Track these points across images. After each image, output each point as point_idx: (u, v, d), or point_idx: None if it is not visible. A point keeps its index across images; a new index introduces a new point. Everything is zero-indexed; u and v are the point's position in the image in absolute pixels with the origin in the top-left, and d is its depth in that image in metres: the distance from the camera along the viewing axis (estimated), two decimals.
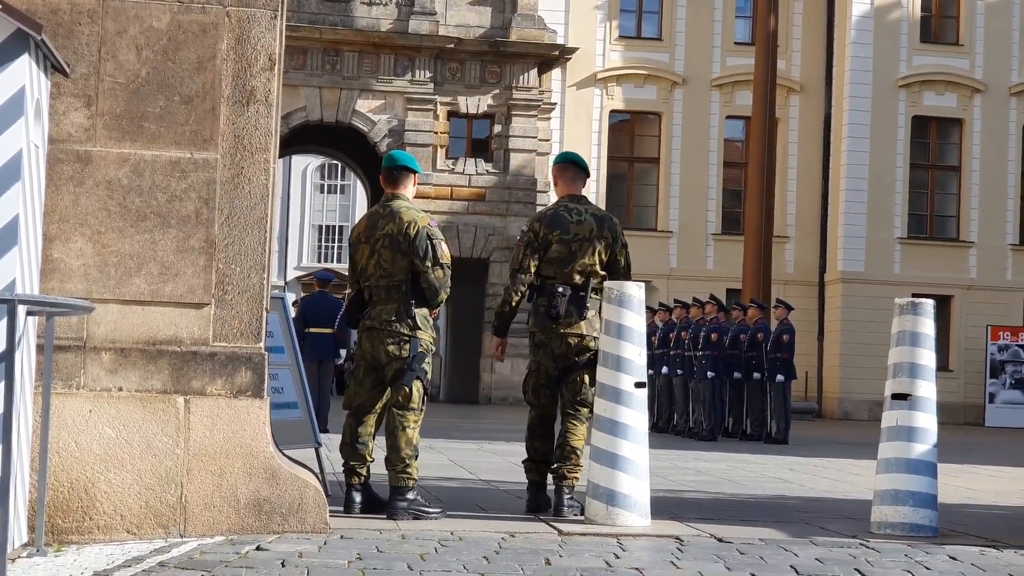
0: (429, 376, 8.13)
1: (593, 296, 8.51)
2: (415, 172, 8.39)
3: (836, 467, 14.63)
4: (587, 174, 8.95)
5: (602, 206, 36.23)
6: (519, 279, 8.73)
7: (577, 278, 8.56)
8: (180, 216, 6.97)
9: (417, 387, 8.01)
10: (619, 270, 8.60)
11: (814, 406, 35.34)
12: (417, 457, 8.02)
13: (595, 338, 8.36)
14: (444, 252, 8.11)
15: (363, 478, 8.11)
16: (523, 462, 8.73)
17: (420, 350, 8.03)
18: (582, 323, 8.53)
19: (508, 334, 8.90)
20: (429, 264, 8.02)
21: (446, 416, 26.58)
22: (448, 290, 8.12)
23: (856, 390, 35.39)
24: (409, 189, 8.35)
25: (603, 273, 8.57)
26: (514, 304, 8.75)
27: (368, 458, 8.13)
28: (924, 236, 37.00)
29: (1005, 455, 19.24)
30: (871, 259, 36.23)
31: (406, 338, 8.01)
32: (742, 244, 31.93)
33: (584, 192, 8.95)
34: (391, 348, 8.01)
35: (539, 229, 8.67)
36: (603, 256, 8.59)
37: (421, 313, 8.08)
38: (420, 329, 8.05)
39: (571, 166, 8.89)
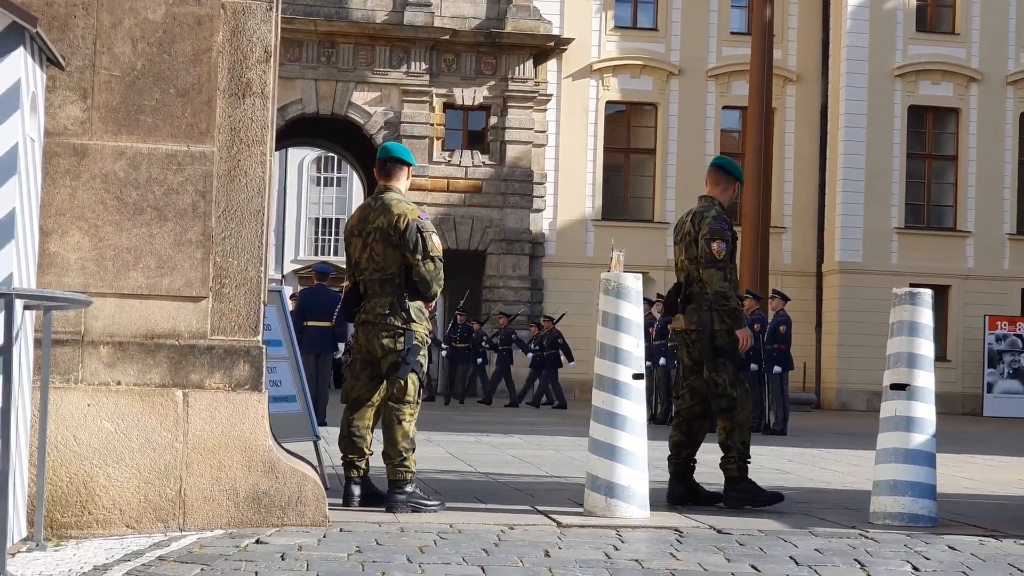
0: (425, 369, 8.12)
1: (700, 291, 8.85)
2: (409, 164, 8.36)
3: (835, 458, 14.63)
4: (731, 177, 9.20)
5: (598, 198, 36.39)
6: None
7: (681, 275, 9.04)
8: (177, 209, 6.95)
9: (412, 380, 7.99)
10: (698, 260, 8.88)
11: (812, 397, 35.32)
12: (414, 450, 8.01)
13: (696, 331, 8.82)
14: (435, 244, 8.07)
15: (362, 471, 8.10)
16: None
17: (415, 343, 8.01)
18: (681, 317, 8.98)
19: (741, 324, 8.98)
20: (420, 257, 7.98)
21: (445, 409, 26.59)
22: (441, 283, 8.10)
23: (854, 380, 35.40)
24: (402, 182, 8.31)
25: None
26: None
27: (366, 451, 8.12)
28: (921, 226, 36.99)
29: (1003, 445, 19.24)
30: (868, 249, 36.22)
31: (400, 331, 7.99)
32: (739, 235, 31.86)
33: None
34: (386, 341, 7.99)
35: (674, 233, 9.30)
36: (695, 251, 8.94)
37: (415, 306, 8.06)
38: (415, 322, 8.02)
39: (713, 169, 9.27)
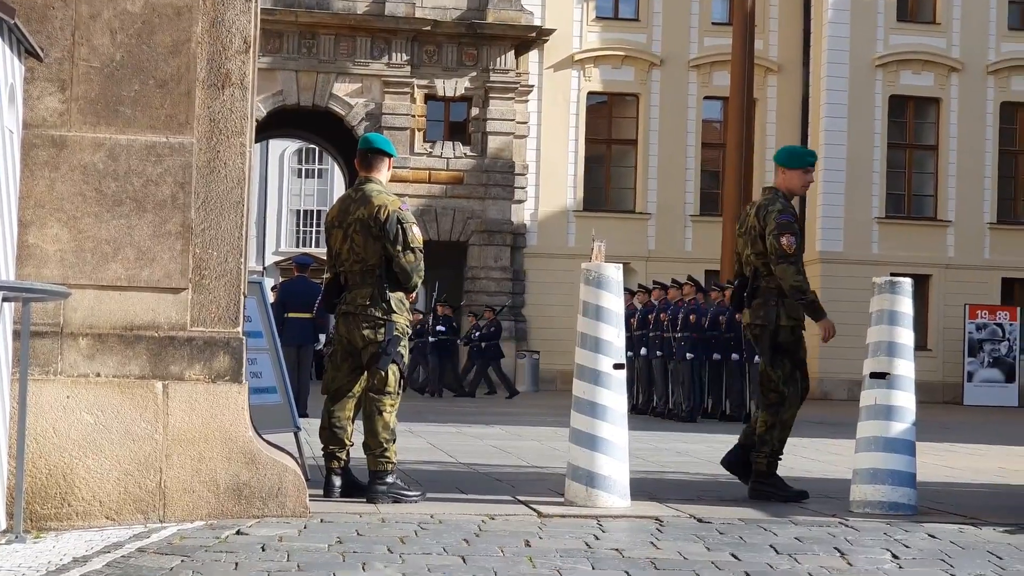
0: (406, 360, 8.12)
1: (767, 285, 8.81)
2: (390, 155, 8.34)
3: (815, 447, 14.66)
4: (789, 165, 9.04)
5: (580, 189, 36.38)
6: None
7: (747, 269, 8.96)
8: (156, 201, 6.94)
9: (393, 371, 7.99)
10: (767, 255, 8.79)
11: None
12: (395, 441, 8.01)
13: (759, 326, 8.82)
14: (415, 236, 8.06)
15: (343, 462, 8.10)
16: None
17: (395, 334, 8.00)
18: (747, 311, 8.92)
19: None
20: (400, 248, 7.98)
21: (426, 399, 26.57)
22: (422, 274, 8.09)
23: (835, 370, 35.41)
24: (383, 173, 8.30)
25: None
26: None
27: (347, 442, 8.12)
28: (902, 215, 37.04)
29: (983, 433, 19.31)
30: (849, 239, 36.27)
31: (381, 322, 7.99)
32: (720, 225, 31.93)
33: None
34: (366, 332, 7.99)
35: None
36: (761, 246, 8.81)
37: (396, 297, 8.05)
38: (395, 313, 8.02)
39: (776, 159, 9.17)
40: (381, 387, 7.96)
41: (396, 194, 8.50)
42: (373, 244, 7.99)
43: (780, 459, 8.88)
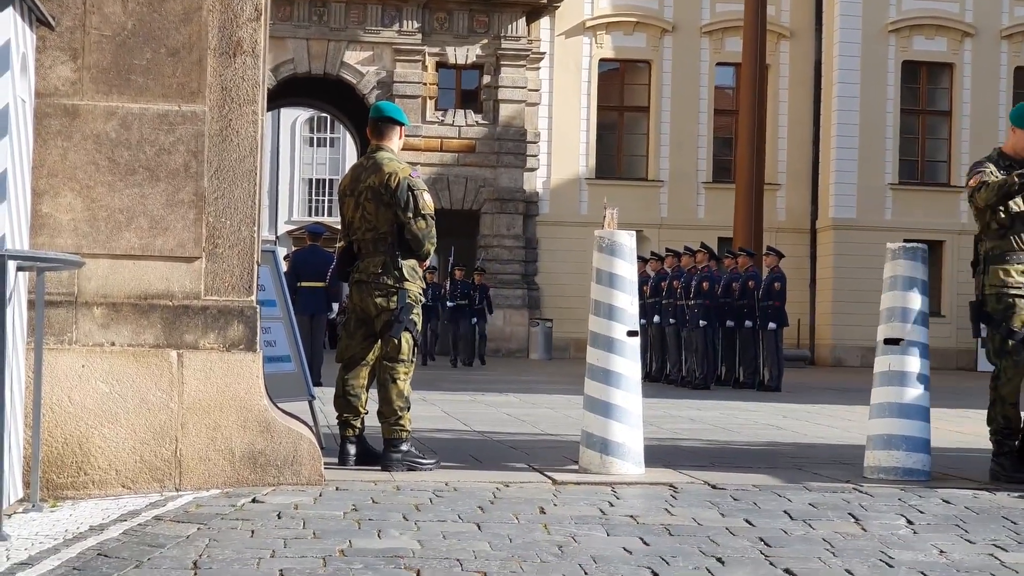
0: (419, 327, 8.12)
1: (977, 252, 8.39)
2: (401, 124, 8.33)
3: (829, 413, 14.67)
4: (1019, 124, 8.31)
5: (592, 157, 36.34)
6: None
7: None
8: (169, 169, 6.93)
9: (406, 339, 8.00)
10: (978, 219, 8.45)
11: (807, 353, 35.39)
12: (409, 408, 8.02)
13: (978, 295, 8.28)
14: (426, 203, 8.06)
15: (357, 430, 8.12)
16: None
17: (408, 301, 8.01)
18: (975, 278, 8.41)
19: None
20: (411, 215, 7.98)
21: (441, 368, 26.60)
22: (433, 241, 8.09)
23: (848, 337, 35.44)
24: (395, 141, 8.29)
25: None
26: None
27: (361, 410, 8.13)
28: (915, 182, 36.96)
29: None
30: (862, 205, 36.19)
31: (394, 290, 7.99)
32: (733, 192, 31.88)
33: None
34: (379, 300, 7.99)
35: None
36: (973, 209, 8.43)
37: (408, 265, 8.05)
38: (408, 280, 8.02)
39: (1013, 113, 8.50)
40: (395, 355, 7.97)
41: (408, 163, 8.48)
42: (384, 212, 7.99)
43: (1014, 441, 8.21)
